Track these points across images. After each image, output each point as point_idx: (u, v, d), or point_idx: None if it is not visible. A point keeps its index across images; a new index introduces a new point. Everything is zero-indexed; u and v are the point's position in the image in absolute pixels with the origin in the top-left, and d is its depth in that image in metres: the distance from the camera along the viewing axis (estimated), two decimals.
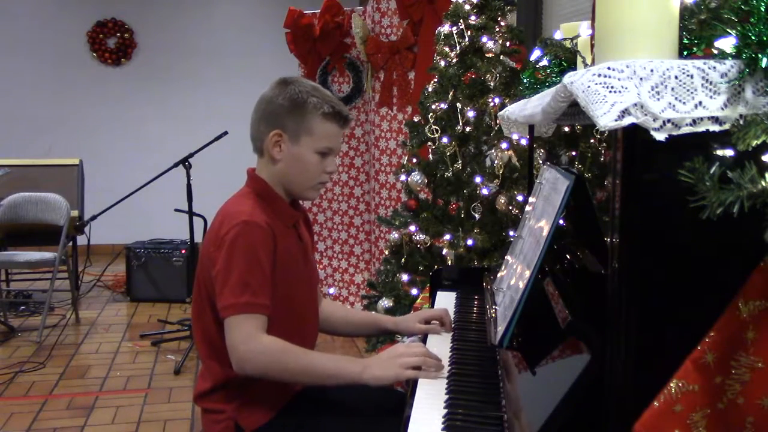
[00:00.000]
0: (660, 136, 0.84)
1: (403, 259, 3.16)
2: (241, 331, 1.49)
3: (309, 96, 1.61)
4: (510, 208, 2.85)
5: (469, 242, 2.87)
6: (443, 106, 3.06)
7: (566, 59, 1.51)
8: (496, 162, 2.90)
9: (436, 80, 3.16)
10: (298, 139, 1.61)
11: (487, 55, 3.01)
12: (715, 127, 0.86)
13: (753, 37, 0.83)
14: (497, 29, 3.05)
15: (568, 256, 1.56)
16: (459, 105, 3.02)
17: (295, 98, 1.61)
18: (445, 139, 3.02)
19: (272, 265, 1.56)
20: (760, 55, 0.83)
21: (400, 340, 2.29)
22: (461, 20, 3.05)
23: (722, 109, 0.85)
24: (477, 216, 2.92)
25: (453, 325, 1.79)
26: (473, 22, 3.04)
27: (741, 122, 0.84)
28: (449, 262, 2.92)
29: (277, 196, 1.66)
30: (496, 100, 2.95)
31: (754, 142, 0.79)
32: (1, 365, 3.81)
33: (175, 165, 4.11)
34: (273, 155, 1.63)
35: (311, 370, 1.52)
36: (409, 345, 1.60)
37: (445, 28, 3.13)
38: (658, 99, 0.84)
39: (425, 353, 1.50)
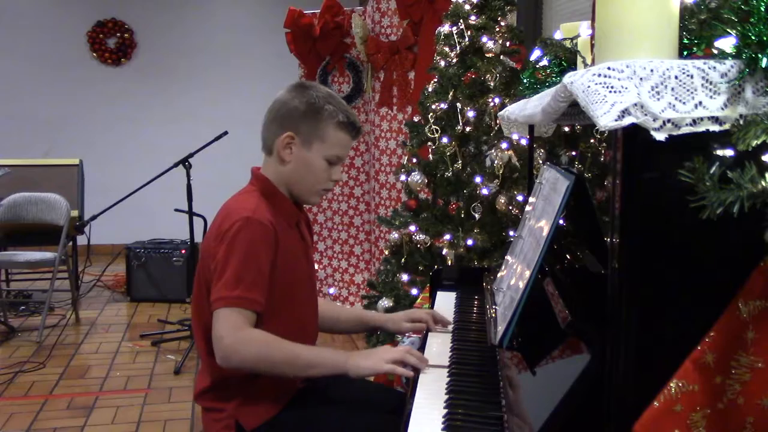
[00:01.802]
0: (660, 136, 0.84)
1: (403, 259, 3.16)
2: (227, 323, 1.49)
3: (326, 103, 1.63)
4: (510, 208, 2.85)
5: (469, 242, 2.87)
6: (443, 106, 3.06)
7: (566, 59, 1.51)
8: (496, 162, 2.90)
9: (436, 80, 3.16)
10: (310, 143, 1.63)
11: (487, 55, 3.01)
12: (715, 127, 0.86)
13: (753, 37, 0.83)
14: (497, 29, 3.05)
15: (568, 256, 1.56)
16: (459, 105, 3.02)
17: (312, 103, 1.63)
18: (445, 139, 3.02)
19: (272, 263, 1.57)
20: (760, 55, 0.83)
21: (399, 341, 2.30)
22: (461, 20, 3.06)
23: (722, 109, 0.85)
24: (477, 216, 2.92)
25: (453, 325, 1.79)
26: (473, 22, 3.04)
27: (741, 122, 0.84)
28: (449, 262, 2.92)
29: (282, 195, 1.67)
30: (496, 100, 2.95)
31: (754, 142, 0.79)
32: (1, 365, 3.81)
33: (175, 165, 4.11)
34: (283, 156, 1.64)
35: (295, 360, 1.53)
36: (391, 348, 1.61)
37: (445, 28, 3.13)
38: (658, 99, 0.84)
39: (407, 350, 1.53)
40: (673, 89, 0.85)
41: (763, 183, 0.75)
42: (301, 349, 1.56)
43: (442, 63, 3.11)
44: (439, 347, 1.66)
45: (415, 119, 3.26)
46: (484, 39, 3.00)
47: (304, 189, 1.67)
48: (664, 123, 0.84)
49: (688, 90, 0.85)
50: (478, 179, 2.93)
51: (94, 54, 7.11)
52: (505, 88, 2.97)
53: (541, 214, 1.43)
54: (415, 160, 3.18)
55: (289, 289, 1.62)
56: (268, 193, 1.65)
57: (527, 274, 1.31)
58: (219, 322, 1.51)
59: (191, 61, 7.23)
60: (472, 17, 3.04)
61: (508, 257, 1.68)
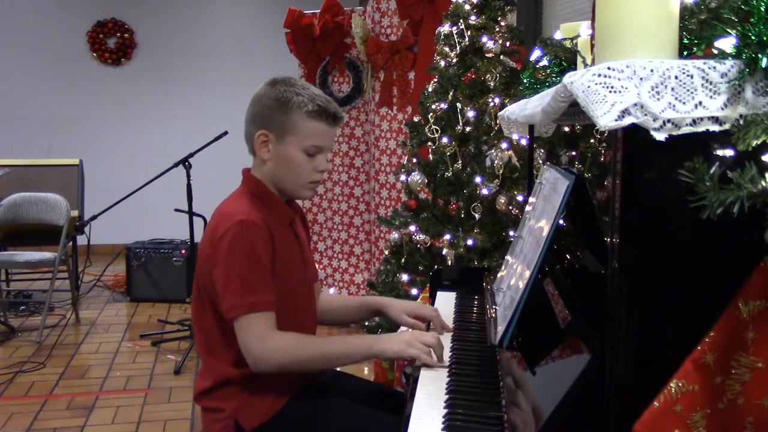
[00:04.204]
0: (660, 136, 0.84)
1: (403, 259, 3.16)
2: (253, 332, 1.51)
3: (294, 95, 1.60)
4: (510, 208, 2.85)
5: (469, 242, 2.87)
6: (443, 106, 3.06)
7: (566, 59, 1.51)
8: (496, 162, 2.90)
9: (436, 80, 3.16)
10: (283, 138, 1.61)
11: (487, 55, 3.01)
12: (715, 127, 0.86)
13: (753, 37, 0.83)
14: (497, 29, 3.05)
15: (568, 256, 1.56)
16: (459, 105, 3.02)
17: (280, 97, 1.61)
18: (445, 139, 3.02)
19: (271, 263, 1.57)
20: (760, 55, 0.83)
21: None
22: (461, 20, 3.05)
23: (722, 109, 0.85)
24: (477, 216, 2.92)
25: (453, 325, 1.79)
26: (473, 22, 3.04)
27: (741, 122, 0.84)
28: (449, 262, 2.92)
29: (272, 195, 1.66)
30: (496, 100, 2.95)
31: (754, 142, 0.79)
32: (1, 365, 3.81)
33: (175, 165, 4.11)
34: (261, 155, 1.64)
35: (324, 355, 1.56)
36: (421, 332, 1.62)
37: (445, 28, 3.13)
38: (658, 99, 0.84)
39: (435, 342, 1.53)
40: (673, 89, 0.85)
41: (763, 183, 0.75)
42: (327, 343, 1.60)
43: (442, 63, 3.11)
44: None
45: (415, 119, 3.26)
46: (484, 39, 3.00)
47: (290, 185, 1.66)
48: (664, 123, 0.84)
49: (688, 90, 0.85)
50: (478, 179, 2.92)
51: (94, 54, 7.10)
52: (505, 88, 2.97)
53: (541, 214, 1.43)
54: (415, 160, 3.18)
55: (284, 289, 1.61)
56: (259, 194, 1.64)
57: (527, 274, 1.31)
58: (243, 332, 1.52)
59: (191, 61, 7.23)
60: (472, 17, 3.04)
61: (508, 257, 1.68)
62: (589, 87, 0.86)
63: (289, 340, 1.54)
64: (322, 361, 1.58)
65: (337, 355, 1.56)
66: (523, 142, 2.80)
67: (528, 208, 1.66)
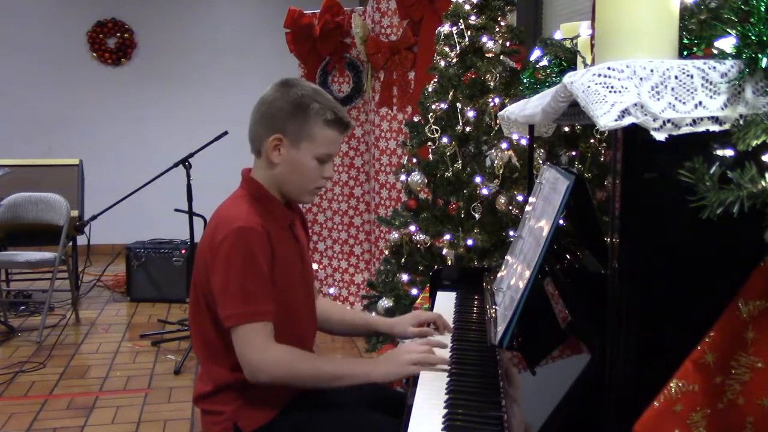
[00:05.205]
0: (660, 136, 0.84)
1: (403, 259, 3.16)
2: (252, 342, 1.50)
3: (312, 101, 1.59)
4: (510, 208, 2.85)
5: (469, 242, 2.87)
6: (443, 106, 3.06)
7: (566, 59, 1.51)
8: (496, 162, 2.90)
9: (436, 80, 3.16)
10: (298, 144, 1.60)
11: (487, 55, 3.01)
12: (715, 127, 0.86)
13: (753, 37, 0.83)
14: (497, 29, 3.05)
15: (568, 256, 1.56)
16: (459, 105, 3.02)
17: (298, 103, 1.59)
18: (445, 139, 3.02)
19: (270, 268, 1.56)
20: (760, 55, 0.83)
21: (400, 342, 2.29)
22: (461, 20, 3.05)
23: (722, 109, 0.85)
24: (477, 216, 2.92)
25: (453, 325, 1.79)
26: (473, 22, 3.04)
27: (741, 122, 0.84)
28: (449, 262, 2.92)
29: (272, 198, 1.65)
30: (496, 100, 2.95)
31: (754, 142, 0.79)
32: (1, 365, 3.81)
33: (175, 165, 4.11)
34: (272, 159, 1.61)
35: (321, 375, 1.55)
36: (412, 344, 1.62)
37: (445, 28, 3.13)
38: (658, 99, 0.84)
39: (427, 349, 1.54)
40: (673, 89, 0.85)
41: (763, 183, 0.75)
42: (326, 363, 1.59)
43: (442, 63, 3.11)
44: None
45: (415, 119, 3.26)
46: (484, 39, 3.00)
47: (297, 190, 1.65)
48: (664, 123, 0.84)
49: (688, 90, 0.85)
50: (478, 179, 2.93)
51: (94, 54, 7.10)
52: (505, 88, 2.97)
53: (541, 214, 1.43)
54: (415, 160, 3.18)
55: (284, 292, 1.61)
56: (259, 197, 1.63)
57: (527, 274, 1.31)
58: (242, 342, 1.51)
59: (191, 62, 7.23)
60: (472, 17, 3.04)
61: (508, 257, 1.68)
62: (589, 87, 0.86)
63: (287, 354, 1.52)
64: (318, 380, 1.56)
65: (333, 376, 1.54)
66: (523, 142, 2.80)
67: (528, 208, 1.66)
